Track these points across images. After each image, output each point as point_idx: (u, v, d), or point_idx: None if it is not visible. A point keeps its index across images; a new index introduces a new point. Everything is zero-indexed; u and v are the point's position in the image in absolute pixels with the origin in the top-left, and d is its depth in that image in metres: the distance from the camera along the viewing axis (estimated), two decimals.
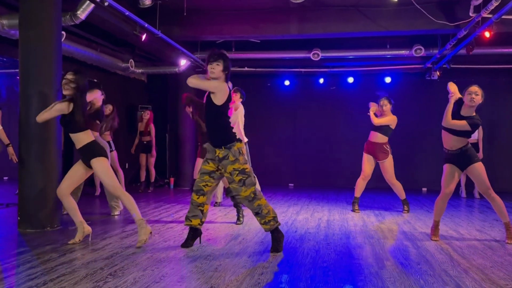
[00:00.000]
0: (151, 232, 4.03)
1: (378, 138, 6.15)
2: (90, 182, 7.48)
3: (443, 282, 3.10)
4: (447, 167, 4.48)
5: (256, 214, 3.93)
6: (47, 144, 4.75)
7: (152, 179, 8.62)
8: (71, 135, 4.01)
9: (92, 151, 4.02)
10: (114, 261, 3.46)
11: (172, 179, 9.44)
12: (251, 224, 5.17)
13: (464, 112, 4.35)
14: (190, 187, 9.12)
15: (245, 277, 3.13)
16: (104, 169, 4.02)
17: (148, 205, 6.65)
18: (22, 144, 4.75)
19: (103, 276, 3.08)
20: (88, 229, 4.12)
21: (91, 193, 7.48)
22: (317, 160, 10.14)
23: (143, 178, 8.56)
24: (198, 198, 3.97)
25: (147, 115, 8.51)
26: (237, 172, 3.84)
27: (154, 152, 8.58)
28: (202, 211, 4.02)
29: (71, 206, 4.05)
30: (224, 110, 3.90)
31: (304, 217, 5.78)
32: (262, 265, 3.46)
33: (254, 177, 4.05)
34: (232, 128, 4.05)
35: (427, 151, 9.58)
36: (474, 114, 4.33)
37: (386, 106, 6.15)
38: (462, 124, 4.24)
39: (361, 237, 4.61)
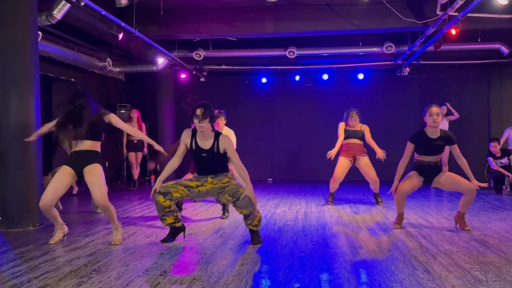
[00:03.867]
0: None
1: (357, 141, 6.44)
2: None
3: (412, 267, 3.27)
4: (413, 174, 4.64)
5: (247, 216, 3.93)
6: (27, 144, 4.72)
7: (136, 177, 8.64)
8: (81, 141, 3.90)
9: (93, 157, 3.96)
10: (98, 258, 3.53)
11: (152, 177, 9.47)
12: (231, 218, 5.30)
13: (430, 133, 4.49)
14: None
15: (226, 268, 3.25)
16: (101, 176, 3.93)
17: (130, 203, 6.70)
18: (1, 145, 4.74)
19: (87, 272, 3.14)
20: (66, 228, 4.19)
21: (69, 192, 7.44)
22: (294, 155, 10.34)
23: (135, 176, 8.57)
24: (164, 202, 3.83)
25: (134, 113, 8.40)
26: (231, 183, 3.97)
27: (146, 150, 8.61)
28: (170, 210, 3.93)
29: (54, 215, 4.00)
30: (226, 155, 3.95)
31: (282, 210, 5.95)
32: (243, 257, 3.58)
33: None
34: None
35: (398, 145, 9.84)
36: (439, 134, 4.49)
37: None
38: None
39: (337, 227, 4.79)
